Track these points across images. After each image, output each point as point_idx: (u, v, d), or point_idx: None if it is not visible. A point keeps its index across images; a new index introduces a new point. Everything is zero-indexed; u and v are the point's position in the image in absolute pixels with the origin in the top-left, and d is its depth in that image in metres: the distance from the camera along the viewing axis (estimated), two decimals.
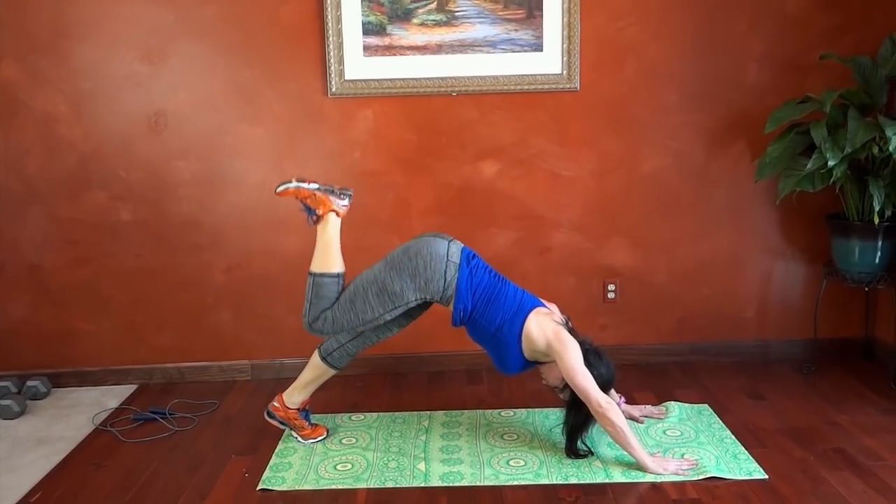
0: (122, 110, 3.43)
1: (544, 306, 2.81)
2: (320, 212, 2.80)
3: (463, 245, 2.81)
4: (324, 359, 2.90)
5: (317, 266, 2.79)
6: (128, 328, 3.60)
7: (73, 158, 3.45)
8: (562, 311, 2.87)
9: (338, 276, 2.79)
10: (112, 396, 3.48)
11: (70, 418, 3.26)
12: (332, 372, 2.93)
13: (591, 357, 2.70)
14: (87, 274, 3.54)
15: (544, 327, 2.70)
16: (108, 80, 3.40)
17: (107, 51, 3.38)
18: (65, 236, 3.51)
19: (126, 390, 3.55)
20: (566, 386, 2.73)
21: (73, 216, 3.50)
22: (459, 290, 2.71)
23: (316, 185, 2.80)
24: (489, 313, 2.72)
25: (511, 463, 2.75)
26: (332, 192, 2.82)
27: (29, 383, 3.46)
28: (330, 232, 2.80)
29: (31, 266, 3.53)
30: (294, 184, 2.79)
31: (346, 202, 2.84)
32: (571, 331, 2.74)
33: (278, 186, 2.81)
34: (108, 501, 2.60)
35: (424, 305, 2.86)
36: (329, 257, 2.79)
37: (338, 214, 2.82)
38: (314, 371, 2.93)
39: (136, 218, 3.51)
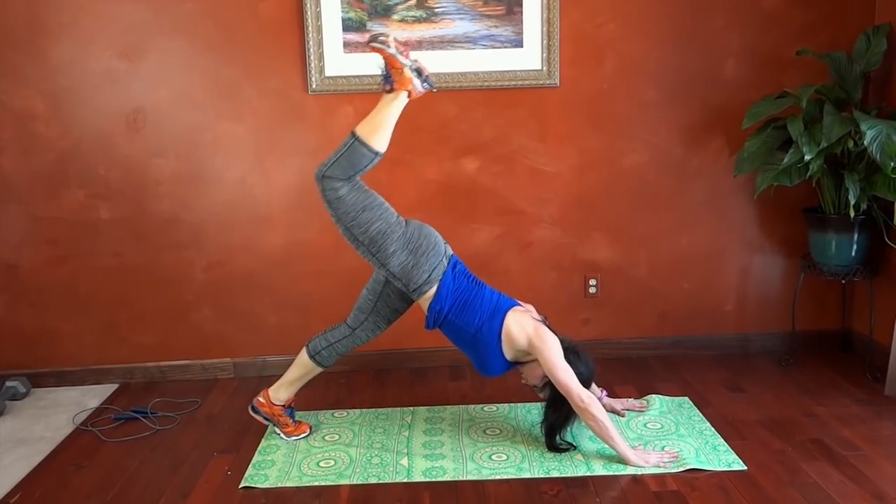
0: (100, 108, 3.40)
1: (521, 306, 2.83)
2: (398, 86, 2.68)
3: (451, 251, 2.83)
4: (311, 357, 2.90)
5: (364, 133, 2.66)
6: (108, 327, 3.58)
7: (51, 156, 3.42)
8: (539, 311, 2.88)
9: (376, 154, 2.67)
10: (92, 396, 3.46)
11: (50, 418, 3.24)
12: (318, 370, 2.93)
13: (571, 355, 2.71)
14: (66, 273, 3.52)
15: (524, 325, 2.72)
16: (85, 78, 3.37)
17: (84, 48, 3.35)
18: (43, 235, 3.48)
19: (107, 390, 3.53)
20: (545, 385, 2.75)
21: (51, 215, 3.47)
22: (440, 291, 2.72)
23: (410, 62, 2.69)
24: (466, 315, 2.73)
25: (493, 457, 2.77)
26: (420, 74, 2.71)
27: (8, 384, 3.43)
28: (394, 108, 2.69)
29: (8, 265, 3.49)
30: (392, 49, 2.65)
31: (424, 89, 2.74)
32: (550, 329, 2.76)
33: (374, 40, 2.66)
34: (88, 501, 2.59)
35: (405, 297, 2.86)
36: (380, 132, 2.67)
37: (410, 95, 2.71)
38: (301, 369, 2.93)
39: (115, 216, 3.49)
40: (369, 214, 2.69)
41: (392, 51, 2.66)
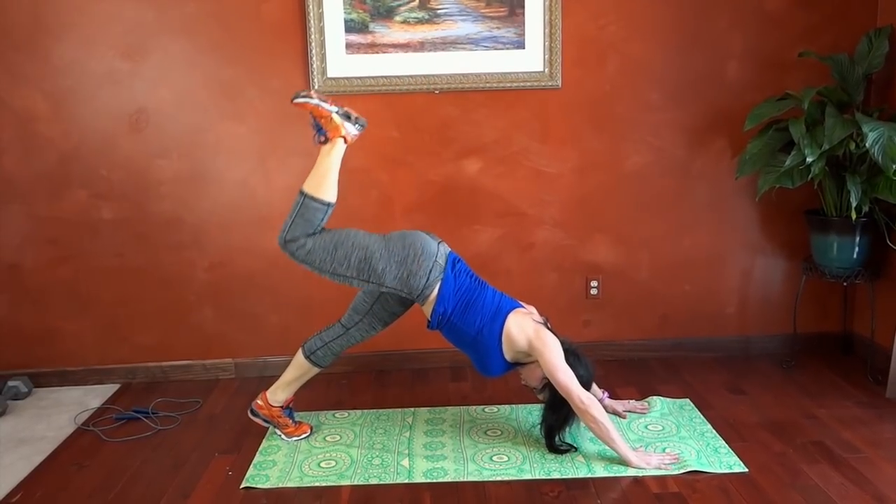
0: (102, 108, 3.41)
1: (523, 308, 2.83)
2: (330, 135, 2.73)
3: (450, 249, 2.83)
4: (307, 357, 2.90)
5: (310, 188, 2.71)
6: (110, 327, 3.58)
7: (53, 157, 3.43)
8: (540, 313, 2.88)
9: (328, 205, 2.71)
10: (94, 396, 3.46)
11: (51, 418, 3.24)
12: (315, 370, 2.93)
13: (570, 358, 2.71)
14: (68, 273, 3.52)
15: (524, 327, 2.72)
16: (88, 78, 3.38)
17: (86, 48, 3.35)
18: (45, 235, 3.48)
19: (108, 390, 3.53)
20: (545, 387, 2.75)
21: (53, 215, 3.47)
22: (442, 292, 2.72)
23: (335, 108, 2.74)
24: (468, 317, 2.73)
25: (494, 458, 2.77)
26: (349, 118, 2.76)
27: (10, 383, 3.43)
28: (333, 157, 2.73)
29: (10, 265, 3.50)
30: (315, 100, 2.71)
31: (357, 131, 2.78)
32: (551, 331, 2.76)
33: (296, 96, 2.72)
34: (90, 501, 2.59)
35: (404, 301, 2.86)
36: (325, 183, 2.71)
37: (346, 141, 2.76)
38: (298, 369, 2.93)
39: (117, 216, 3.49)
40: (343, 250, 2.71)
41: (315, 101, 2.72)
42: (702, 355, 3.71)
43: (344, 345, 2.91)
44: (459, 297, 2.74)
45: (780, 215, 3.61)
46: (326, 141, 2.75)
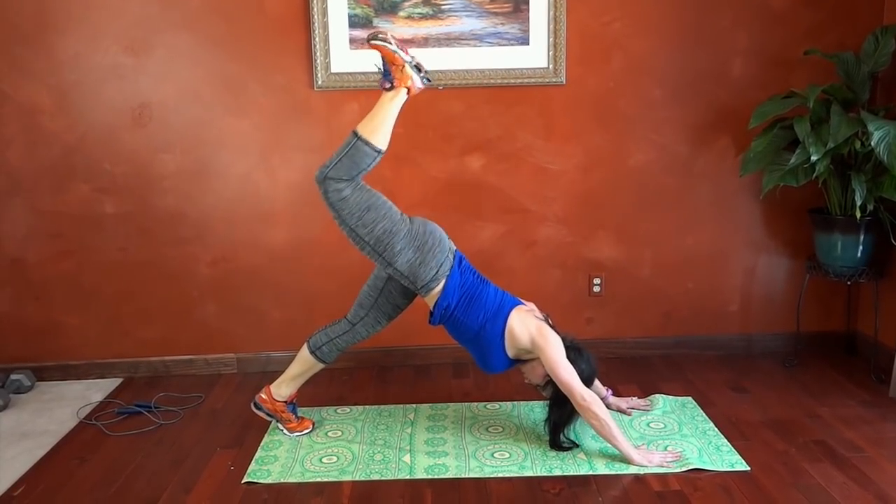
0: (106, 102, 3.41)
1: (524, 305, 2.82)
2: (397, 83, 2.70)
3: (455, 247, 2.83)
4: (312, 353, 2.90)
5: (366, 131, 2.66)
6: (112, 321, 3.58)
7: (57, 150, 3.43)
8: (541, 310, 2.88)
9: (379, 152, 2.67)
10: (97, 390, 3.47)
11: (54, 412, 3.25)
12: (320, 366, 2.93)
13: (573, 353, 2.71)
14: (71, 267, 3.52)
15: (527, 324, 2.72)
16: (92, 72, 3.38)
17: (91, 42, 3.35)
18: (48, 229, 3.49)
19: (111, 384, 3.54)
20: (548, 383, 2.75)
21: (56, 209, 3.47)
22: (447, 287, 2.72)
23: (409, 59, 2.71)
24: (471, 312, 2.73)
25: (496, 455, 2.77)
26: (419, 70, 2.73)
27: (12, 377, 3.44)
28: (395, 105, 2.70)
29: (13, 259, 3.50)
30: (393, 46, 2.67)
31: (423, 85, 2.75)
32: (552, 327, 2.75)
33: (375, 37, 2.67)
34: (92, 495, 2.60)
35: (408, 294, 2.86)
36: (382, 129, 2.68)
37: (409, 92, 2.73)
38: (302, 365, 2.93)
39: (120, 211, 3.49)
40: (374, 214, 2.69)
41: (393, 48, 2.67)
42: (704, 353, 3.71)
43: (350, 341, 2.91)
44: (463, 292, 2.74)
45: (784, 214, 3.61)
46: (392, 88, 2.70)
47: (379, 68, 2.73)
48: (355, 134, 2.66)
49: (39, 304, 3.55)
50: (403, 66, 2.68)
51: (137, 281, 3.55)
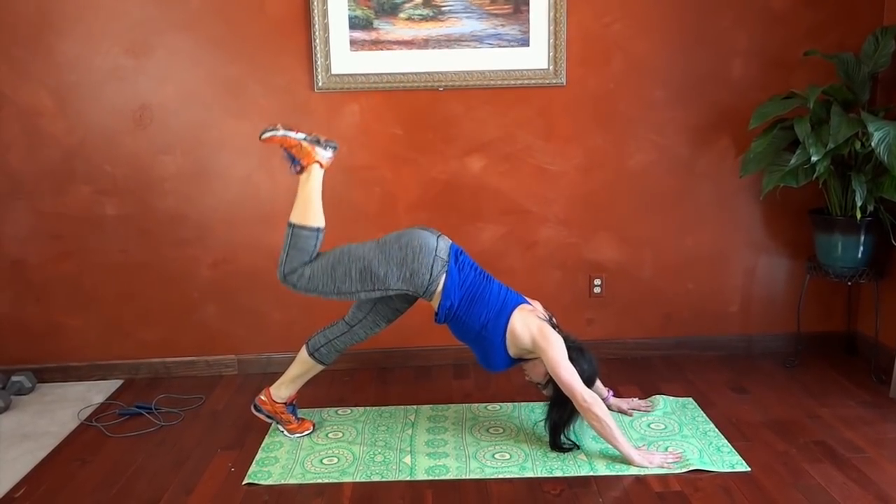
0: (106, 104, 3.41)
1: (528, 303, 2.82)
2: (304, 162, 2.77)
3: (451, 241, 2.82)
4: (311, 354, 2.90)
5: (296, 217, 2.75)
6: (113, 323, 3.59)
7: (58, 153, 3.43)
8: (545, 308, 2.88)
9: (317, 230, 2.75)
10: (97, 391, 3.47)
11: (55, 413, 3.25)
12: (319, 367, 2.93)
13: (574, 353, 2.71)
14: (72, 269, 3.53)
15: (529, 324, 2.72)
16: (92, 74, 3.38)
17: (91, 44, 3.35)
18: (49, 231, 3.49)
19: (112, 385, 3.54)
20: (549, 382, 2.75)
21: (57, 211, 3.48)
22: (447, 286, 2.72)
23: (303, 135, 2.76)
24: (474, 311, 2.73)
25: (496, 456, 2.77)
26: (318, 142, 2.79)
27: (13, 378, 3.44)
28: (312, 184, 2.77)
29: (14, 261, 3.51)
30: (281, 132, 2.74)
31: (330, 154, 2.81)
32: (555, 327, 2.76)
33: (264, 132, 2.75)
34: (93, 496, 2.60)
35: (408, 298, 2.86)
36: (309, 210, 2.75)
37: (321, 166, 2.78)
38: (302, 366, 2.94)
39: (121, 212, 3.49)
40: (342, 267, 2.72)
41: (282, 133, 2.74)
42: (705, 354, 3.71)
43: (348, 342, 2.91)
44: (465, 290, 2.74)
45: (785, 214, 3.61)
46: (302, 170, 2.78)
47: (284, 157, 2.80)
48: (290, 225, 2.75)
49: (40, 305, 3.55)
50: (300, 145, 2.75)
51: (138, 282, 3.55)
